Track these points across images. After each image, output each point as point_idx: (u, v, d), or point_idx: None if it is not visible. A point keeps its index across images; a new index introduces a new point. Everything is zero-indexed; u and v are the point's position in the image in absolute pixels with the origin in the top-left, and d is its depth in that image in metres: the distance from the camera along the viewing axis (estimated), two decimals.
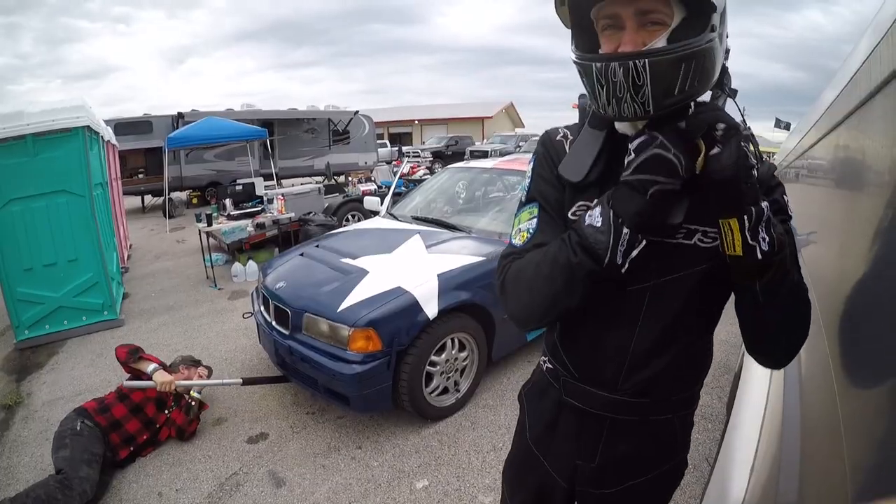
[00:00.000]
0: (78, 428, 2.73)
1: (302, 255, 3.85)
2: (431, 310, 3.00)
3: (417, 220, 4.34)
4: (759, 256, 0.87)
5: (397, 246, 3.69)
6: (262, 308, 3.64)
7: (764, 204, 0.86)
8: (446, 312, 3.09)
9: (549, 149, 1.14)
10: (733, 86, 1.00)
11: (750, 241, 0.86)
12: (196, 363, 3.43)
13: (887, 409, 0.63)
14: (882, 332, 0.72)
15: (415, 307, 2.97)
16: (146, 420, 2.96)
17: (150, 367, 3.00)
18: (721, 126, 0.83)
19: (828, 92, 1.50)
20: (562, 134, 1.14)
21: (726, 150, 0.83)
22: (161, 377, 2.96)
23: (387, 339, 2.87)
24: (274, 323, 3.37)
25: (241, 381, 3.35)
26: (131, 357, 3.01)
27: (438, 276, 3.14)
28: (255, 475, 2.79)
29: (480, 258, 3.38)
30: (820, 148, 1.63)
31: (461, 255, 3.42)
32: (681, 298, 1.02)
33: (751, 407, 1.59)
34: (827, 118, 1.44)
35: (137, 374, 3.07)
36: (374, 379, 2.87)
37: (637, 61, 0.84)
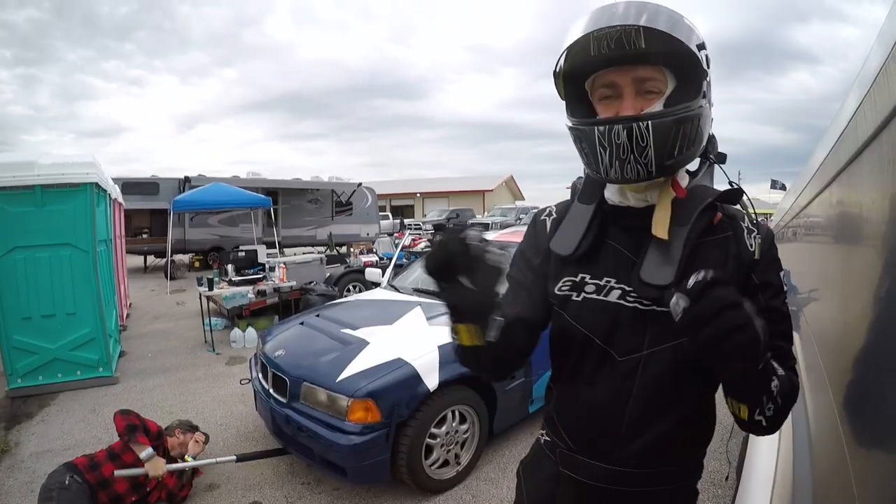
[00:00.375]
0: (66, 482, 2.64)
1: (302, 323, 3.84)
2: (432, 382, 2.97)
3: (419, 292, 4.35)
4: (764, 424, 0.92)
5: (398, 317, 3.69)
6: (260, 375, 3.60)
7: (775, 384, 0.88)
8: (447, 384, 3.06)
9: (533, 229, 1.22)
10: (726, 151, 1.07)
11: (756, 417, 0.91)
12: (193, 428, 3.33)
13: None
14: (889, 387, 0.72)
15: (415, 379, 2.94)
16: (135, 482, 2.86)
17: (144, 452, 2.87)
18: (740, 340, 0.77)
19: (819, 150, 1.56)
20: (547, 212, 1.20)
21: (740, 361, 0.79)
22: (153, 468, 2.84)
23: (386, 410, 2.82)
24: (271, 391, 3.32)
25: (234, 458, 3.23)
26: (128, 435, 2.89)
27: (439, 347, 3.10)
28: None
29: None
30: (815, 206, 1.68)
31: None
32: (677, 367, 1.00)
33: (760, 470, 1.56)
34: (820, 176, 1.49)
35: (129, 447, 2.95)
36: (372, 451, 2.81)
37: (641, 123, 0.90)
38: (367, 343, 3.27)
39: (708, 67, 0.94)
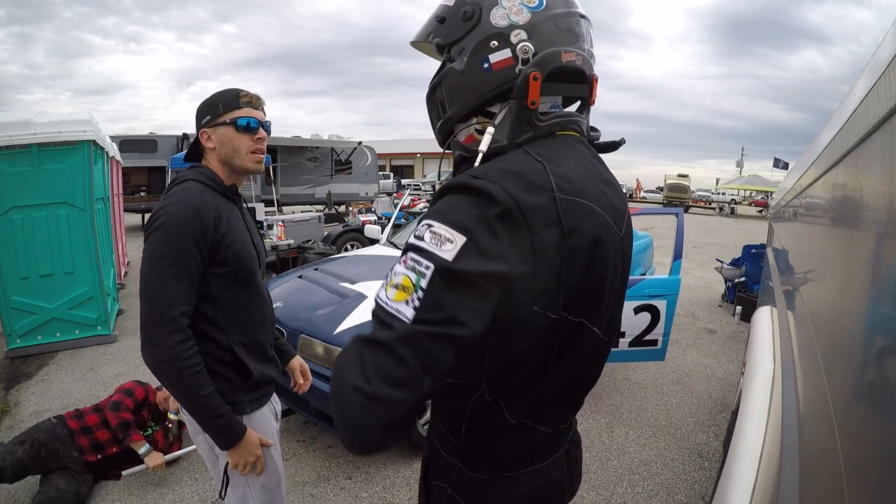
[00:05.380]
0: (43, 424, 2.79)
1: (300, 277, 3.85)
2: None
3: None
4: None
5: None
6: None
7: None
8: None
9: None
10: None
11: None
12: None
13: (888, 449, 0.63)
14: (882, 370, 0.72)
15: None
16: (115, 436, 2.85)
17: (142, 448, 2.85)
18: None
19: (825, 131, 1.54)
20: None
21: None
22: (152, 461, 2.84)
23: None
24: None
25: None
26: (122, 433, 2.84)
27: None
28: None
29: None
30: (819, 186, 1.66)
31: None
32: None
33: (748, 446, 1.57)
34: (826, 157, 1.47)
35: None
36: None
37: None
38: (366, 297, 3.28)
39: (449, 40, 0.99)
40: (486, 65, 0.93)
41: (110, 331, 5.05)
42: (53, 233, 4.65)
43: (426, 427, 3.09)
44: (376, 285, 3.46)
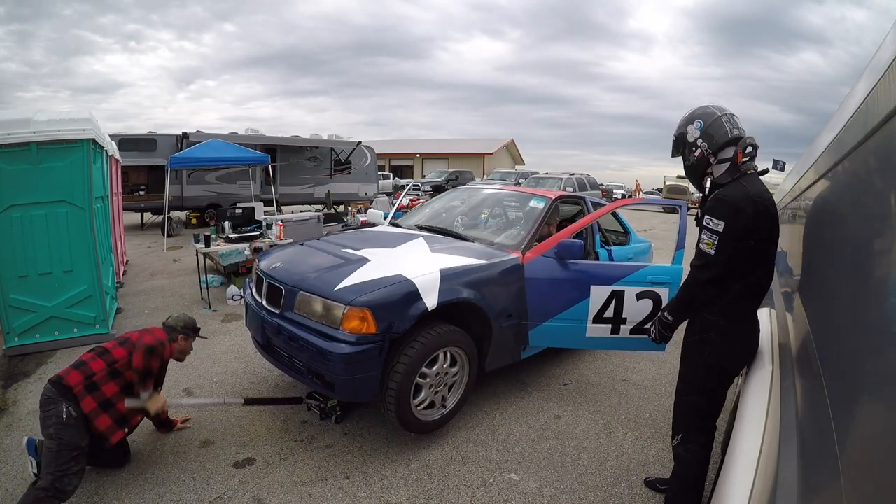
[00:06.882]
0: (63, 417, 2.53)
1: (302, 244, 3.91)
2: (431, 301, 2.97)
3: (421, 228, 4.37)
4: None
5: (400, 244, 3.72)
6: (254, 289, 3.63)
7: None
8: (444, 315, 3.10)
9: None
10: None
11: None
12: (196, 332, 3.25)
13: (886, 449, 0.63)
14: (880, 372, 0.72)
15: (414, 295, 2.95)
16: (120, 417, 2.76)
17: (144, 393, 2.81)
18: None
19: (825, 133, 1.54)
20: None
21: None
22: (154, 405, 2.82)
23: (382, 323, 2.82)
24: (264, 303, 3.36)
25: (242, 400, 3.24)
26: (140, 378, 2.77)
27: (441, 270, 3.13)
28: (239, 500, 2.73)
29: (483, 261, 3.39)
30: (816, 188, 1.66)
31: (464, 256, 3.42)
32: None
33: (746, 447, 1.57)
34: (824, 159, 1.47)
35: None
36: (363, 363, 2.81)
37: None
38: (368, 260, 3.29)
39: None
40: None
41: (109, 329, 5.03)
42: (52, 231, 4.63)
43: (420, 408, 3.14)
44: (380, 251, 3.50)
